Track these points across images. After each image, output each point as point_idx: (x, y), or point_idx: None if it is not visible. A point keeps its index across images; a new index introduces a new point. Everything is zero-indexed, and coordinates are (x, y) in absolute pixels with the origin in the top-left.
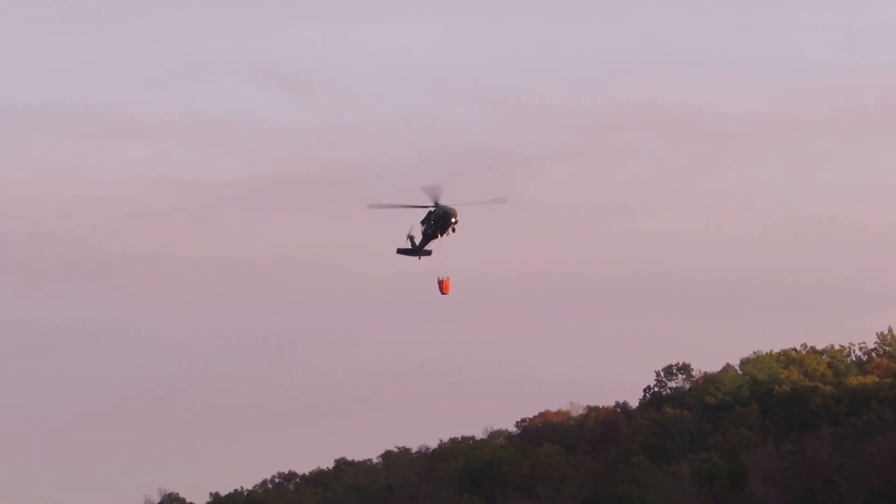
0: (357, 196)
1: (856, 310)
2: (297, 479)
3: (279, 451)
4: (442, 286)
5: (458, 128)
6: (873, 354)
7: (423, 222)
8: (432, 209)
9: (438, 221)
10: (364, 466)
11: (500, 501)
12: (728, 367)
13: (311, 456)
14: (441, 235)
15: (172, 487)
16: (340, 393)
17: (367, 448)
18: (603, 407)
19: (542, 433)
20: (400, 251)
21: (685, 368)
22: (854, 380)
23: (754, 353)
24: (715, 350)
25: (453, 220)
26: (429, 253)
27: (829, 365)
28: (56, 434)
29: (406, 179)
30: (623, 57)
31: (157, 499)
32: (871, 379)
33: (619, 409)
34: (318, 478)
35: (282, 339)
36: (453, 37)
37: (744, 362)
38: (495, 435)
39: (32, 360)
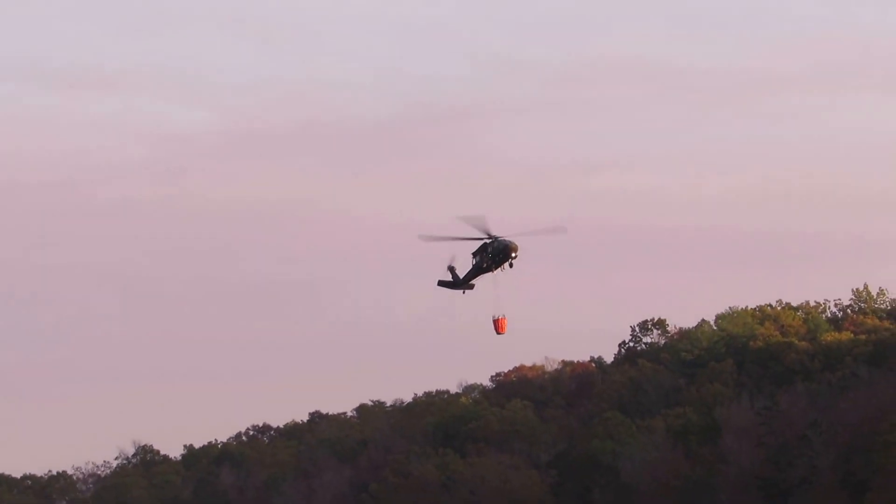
0: (332, 149)
1: (832, 266)
2: (272, 432)
3: (254, 404)
4: (498, 325)
5: (434, 81)
6: (849, 311)
7: (474, 254)
8: (488, 240)
9: (497, 255)
10: (338, 420)
11: (473, 455)
12: (703, 322)
13: (285, 409)
14: (495, 270)
15: (146, 440)
16: (315, 346)
17: (341, 401)
18: (578, 362)
19: (517, 388)
20: (441, 284)
21: (661, 324)
22: (829, 336)
23: (730, 308)
24: (691, 306)
25: (514, 254)
26: (472, 287)
27: (805, 321)
28: (29, 385)
29: (381, 133)
30: (604, 11)
31: (131, 451)
32: (846, 335)
33: (594, 364)
34: (292, 431)
35: (255, 291)
36: None
37: (719, 318)
38: (469, 389)
39: (7, 310)
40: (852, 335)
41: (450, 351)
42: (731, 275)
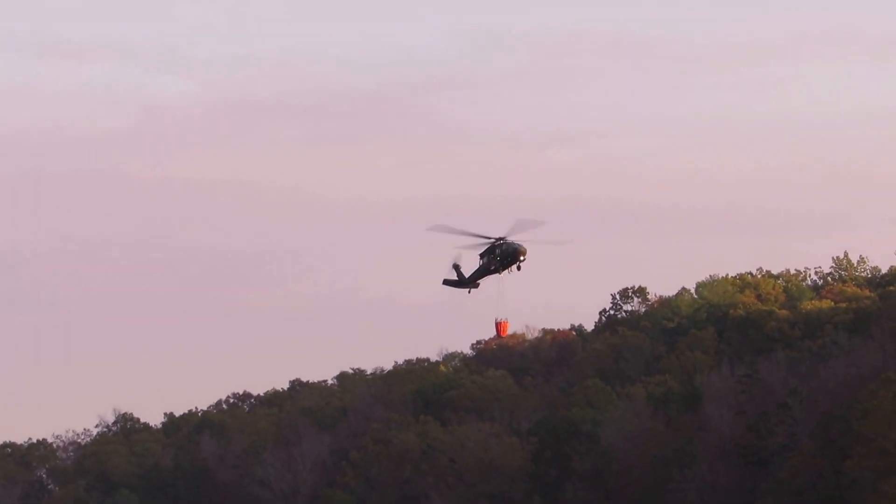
0: (312, 120)
1: (812, 235)
2: (252, 400)
3: (234, 372)
4: (500, 328)
5: (413, 53)
6: (829, 279)
7: (482, 255)
8: (497, 242)
9: (505, 257)
10: (318, 387)
11: (453, 423)
12: (684, 290)
13: (266, 377)
14: (501, 272)
15: (127, 408)
16: (296, 314)
17: (321, 369)
18: (558, 330)
19: (497, 356)
20: (446, 282)
21: (641, 292)
22: (809, 304)
23: (710, 276)
24: (671, 273)
25: (522, 257)
26: (477, 286)
27: (785, 289)
28: (8, 353)
29: (359, 105)
30: None
31: (112, 419)
32: (826, 303)
33: (574, 332)
34: (272, 399)
35: (238, 260)
36: None
37: (700, 286)
38: (450, 357)
39: None
40: (832, 303)
41: (430, 319)
42: (712, 243)
